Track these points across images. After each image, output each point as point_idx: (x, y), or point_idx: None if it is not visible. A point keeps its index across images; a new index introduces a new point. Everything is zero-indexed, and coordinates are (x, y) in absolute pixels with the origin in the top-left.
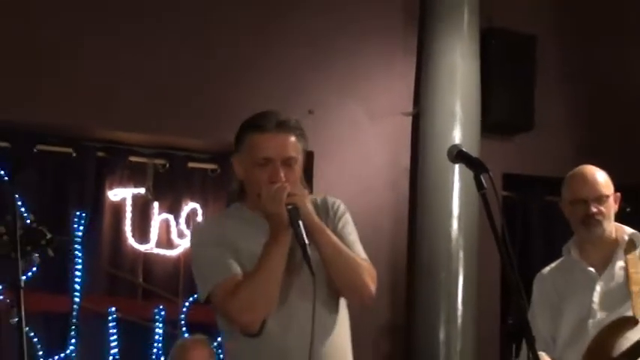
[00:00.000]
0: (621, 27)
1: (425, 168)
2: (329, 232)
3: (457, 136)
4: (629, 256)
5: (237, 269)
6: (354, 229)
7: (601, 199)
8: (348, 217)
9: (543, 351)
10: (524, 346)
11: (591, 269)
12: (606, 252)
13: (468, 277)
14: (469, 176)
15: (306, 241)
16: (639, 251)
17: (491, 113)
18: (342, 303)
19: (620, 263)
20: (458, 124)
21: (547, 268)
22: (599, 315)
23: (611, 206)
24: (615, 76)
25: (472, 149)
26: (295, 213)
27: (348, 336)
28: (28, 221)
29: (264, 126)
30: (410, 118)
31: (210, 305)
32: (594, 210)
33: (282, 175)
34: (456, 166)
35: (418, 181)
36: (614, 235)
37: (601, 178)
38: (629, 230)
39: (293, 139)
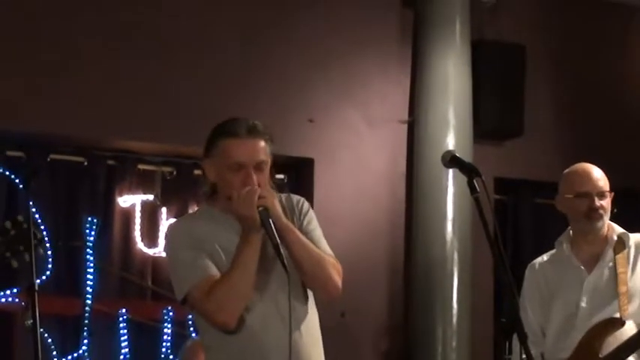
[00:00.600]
0: (608, 36)
1: (420, 173)
2: (297, 231)
3: (451, 142)
4: (618, 256)
5: (212, 270)
6: (318, 225)
7: (604, 194)
8: (312, 214)
9: (532, 342)
10: (516, 343)
11: (581, 266)
12: (597, 249)
13: (463, 278)
14: (462, 180)
15: (278, 241)
16: (627, 251)
17: (483, 120)
18: (311, 294)
19: (609, 262)
20: (451, 131)
21: (538, 260)
22: (587, 313)
23: (609, 203)
24: (601, 83)
25: (465, 155)
26: (266, 215)
27: (318, 323)
28: (20, 220)
29: (236, 132)
30: (406, 125)
31: (186, 306)
32: (598, 204)
33: (254, 178)
34: (450, 171)
35: (414, 185)
36: (605, 233)
37: (602, 175)
38: (618, 229)
39: (263, 143)
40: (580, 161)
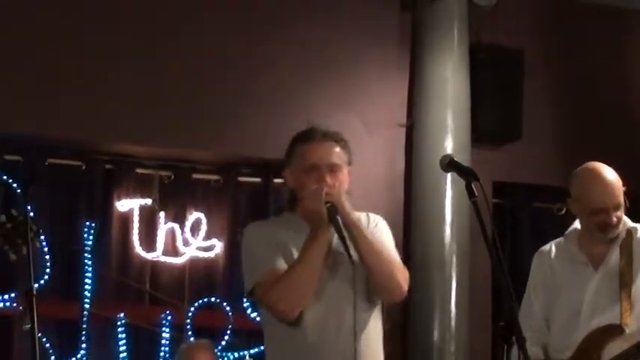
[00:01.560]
0: (607, 40)
1: (419, 177)
2: (364, 228)
3: (449, 146)
4: (625, 254)
5: (280, 264)
6: (391, 239)
7: (619, 206)
8: (387, 230)
9: (536, 334)
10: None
11: (588, 263)
12: (605, 245)
13: (461, 281)
14: (461, 184)
15: (345, 235)
16: (633, 247)
17: (481, 124)
18: (378, 302)
19: (615, 261)
20: (449, 135)
21: (547, 248)
22: (589, 313)
23: (623, 210)
24: (599, 86)
25: (463, 158)
26: (334, 210)
27: (380, 334)
28: (15, 214)
29: (311, 136)
30: (404, 129)
31: (254, 298)
32: (615, 220)
33: (327, 179)
34: (448, 175)
35: (412, 189)
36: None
37: (617, 181)
38: (628, 223)
39: (337, 148)
40: (579, 166)
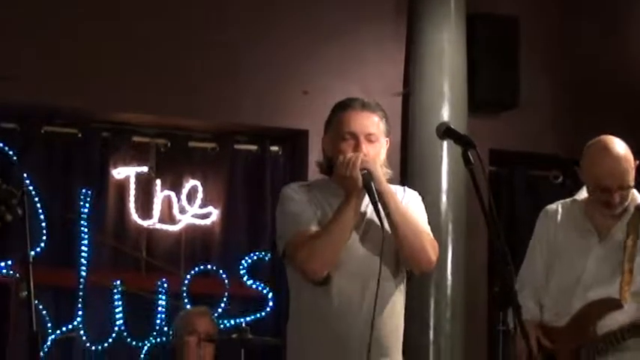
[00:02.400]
0: (605, 7)
1: (415, 145)
2: (397, 198)
3: (445, 115)
4: (632, 228)
5: (312, 225)
6: (424, 213)
7: (624, 186)
8: (420, 204)
9: (537, 288)
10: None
11: (594, 231)
12: (613, 217)
13: (457, 249)
14: (457, 152)
15: (378, 200)
16: None
17: (478, 92)
18: (404, 275)
19: (620, 234)
20: (446, 103)
21: (554, 207)
22: (589, 283)
23: (632, 185)
24: (596, 54)
25: (460, 127)
26: (368, 177)
27: (403, 304)
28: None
29: (350, 105)
30: (400, 98)
31: (284, 259)
32: (618, 199)
33: (363, 147)
34: (445, 143)
35: (409, 157)
36: (627, 204)
37: (625, 160)
38: (638, 199)
39: (376, 118)
40: (575, 135)
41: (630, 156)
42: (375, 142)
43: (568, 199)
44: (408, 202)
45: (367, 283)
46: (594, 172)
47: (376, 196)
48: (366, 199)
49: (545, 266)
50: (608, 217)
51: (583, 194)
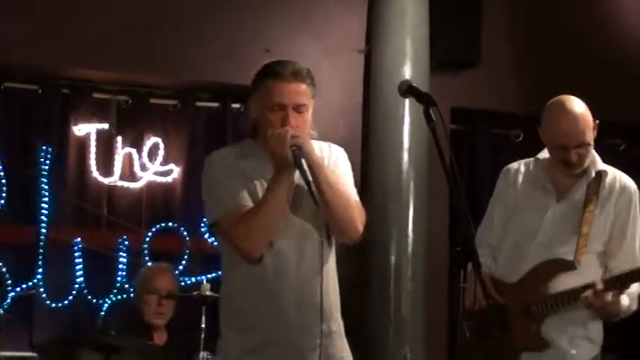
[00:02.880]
0: None
1: (377, 103)
2: (328, 171)
3: (407, 72)
4: (591, 193)
5: (246, 201)
6: (350, 175)
7: (582, 145)
8: (347, 164)
9: (494, 247)
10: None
11: (553, 190)
12: (572, 179)
13: (418, 207)
14: (419, 110)
15: (310, 178)
16: (600, 190)
17: (440, 50)
18: (333, 240)
19: (578, 197)
20: (408, 61)
21: (515, 166)
22: (542, 242)
23: (591, 144)
24: (558, 12)
25: (421, 84)
26: (298, 153)
27: (335, 265)
28: None
29: (280, 73)
30: (362, 56)
31: (215, 230)
32: (575, 158)
33: (292, 120)
34: (407, 101)
35: (370, 115)
36: (585, 166)
37: (583, 119)
38: (599, 165)
39: (304, 87)
40: (537, 92)
41: (589, 115)
42: (304, 112)
43: (531, 159)
44: (336, 160)
45: (303, 253)
46: (553, 131)
47: (307, 173)
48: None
49: (502, 225)
50: (568, 177)
51: (545, 153)
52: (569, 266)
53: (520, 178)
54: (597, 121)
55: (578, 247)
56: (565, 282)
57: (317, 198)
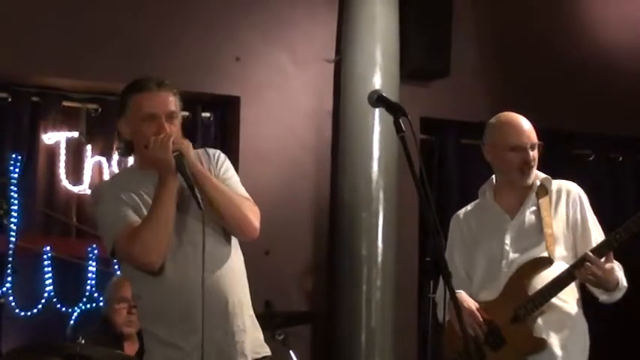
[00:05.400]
0: None
1: (347, 112)
2: (211, 176)
3: (377, 82)
4: (542, 200)
5: (133, 218)
6: (235, 174)
7: (535, 146)
8: (228, 163)
9: (461, 288)
10: (441, 281)
11: (505, 213)
12: (520, 196)
13: (388, 217)
14: (389, 120)
15: (192, 182)
16: (549, 196)
17: (410, 60)
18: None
19: (531, 207)
20: (378, 71)
21: (462, 211)
22: (512, 256)
23: (537, 154)
24: (529, 24)
25: (391, 94)
26: (181, 159)
27: (242, 264)
28: None
29: (146, 86)
30: (332, 65)
31: (115, 256)
32: (532, 157)
33: (167, 128)
34: (377, 111)
35: (340, 124)
36: (530, 181)
37: (531, 125)
38: (541, 175)
39: (172, 96)
40: (506, 103)
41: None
42: (175, 120)
43: (477, 200)
44: (220, 169)
45: (200, 254)
46: (506, 135)
47: (190, 177)
48: (180, 177)
49: (464, 264)
50: (516, 194)
51: (488, 181)
52: (545, 262)
53: (470, 215)
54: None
55: (548, 245)
56: (544, 279)
57: (200, 201)
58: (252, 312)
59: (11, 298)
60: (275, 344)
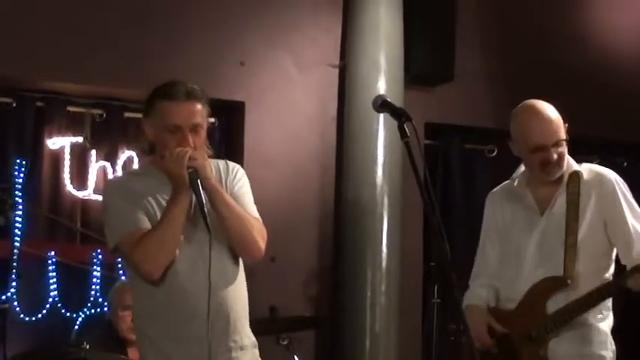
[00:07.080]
0: None
1: (351, 117)
2: (225, 193)
3: (382, 87)
4: (571, 197)
5: (143, 223)
6: (250, 192)
7: (559, 142)
8: (245, 180)
9: (492, 278)
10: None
11: (535, 209)
12: (552, 187)
13: (392, 222)
14: (393, 125)
15: (204, 201)
16: (578, 196)
17: (414, 65)
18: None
19: (561, 203)
20: (382, 76)
21: (498, 189)
22: (533, 264)
23: (566, 147)
24: (533, 28)
25: (396, 99)
26: (195, 175)
27: (245, 285)
28: None
29: (174, 95)
30: (337, 70)
31: (117, 254)
32: (555, 157)
33: (190, 140)
34: (381, 116)
35: (344, 129)
36: (564, 168)
37: (556, 118)
38: (573, 166)
39: (199, 106)
40: (511, 108)
41: (556, 113)
42: (200, 131)
43: (507, 181)
44: (234, 183)
45: (205, 270)
46: (526, 134)
47: (202, 196)
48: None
49: (496, 253)
50: (546, 187)
51: (519, 170)
52: (562, 283)
53: (504, 200)
54: (567, 125)
55: (568, 261)
56: (561, 299)
57: (209, 222)
58: (249, 331)
59: (16, 303)
60: (279, 349)
